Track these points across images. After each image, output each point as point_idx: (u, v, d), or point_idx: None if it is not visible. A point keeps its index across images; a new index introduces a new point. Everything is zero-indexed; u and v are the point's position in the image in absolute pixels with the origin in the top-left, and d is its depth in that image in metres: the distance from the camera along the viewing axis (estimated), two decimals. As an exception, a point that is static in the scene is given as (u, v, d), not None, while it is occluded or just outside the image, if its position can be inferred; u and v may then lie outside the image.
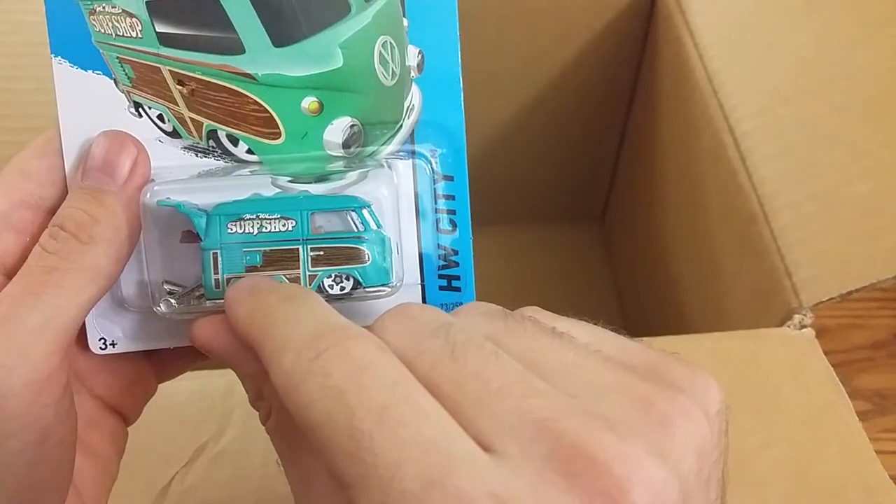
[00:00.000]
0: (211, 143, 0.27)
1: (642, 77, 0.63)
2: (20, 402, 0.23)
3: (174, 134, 0.27)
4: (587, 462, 0.17)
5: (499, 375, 0.18)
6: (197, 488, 0.36)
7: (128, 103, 0.26)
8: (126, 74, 0.26)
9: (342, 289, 0.26)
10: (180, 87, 0.26)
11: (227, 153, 0.27)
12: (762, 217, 0.44)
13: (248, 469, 0.36)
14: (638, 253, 0.68)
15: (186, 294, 0.26)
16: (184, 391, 0.38)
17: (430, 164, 0.27)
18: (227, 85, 0.26)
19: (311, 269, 0.26)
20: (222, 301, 0.24)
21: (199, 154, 0.27)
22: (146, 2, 0.26)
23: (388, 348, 0.19)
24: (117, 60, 0.26)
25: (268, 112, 0.26)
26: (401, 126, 0.27)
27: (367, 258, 0.26)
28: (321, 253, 0.26)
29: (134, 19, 0.26)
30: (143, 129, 0.26)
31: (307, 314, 0.21)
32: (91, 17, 0.26)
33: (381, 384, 0.18)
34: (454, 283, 0.28)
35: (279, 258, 0.25)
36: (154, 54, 0.26)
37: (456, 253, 0.28)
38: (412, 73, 0.27)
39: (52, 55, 0.26)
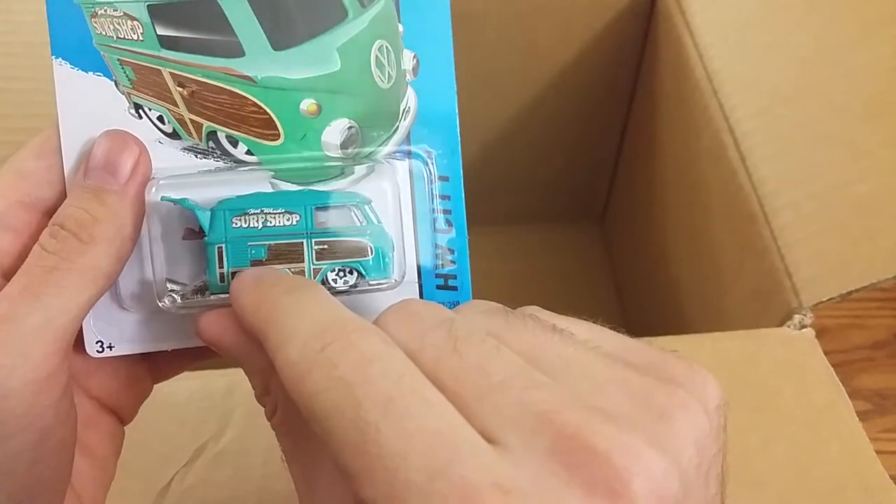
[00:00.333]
0: (210, 144, 0.27)
1: (642, 77, 0.62)
2: (20, 403, 0.23)
3: (174, 135, 0.27)
4: (588, 453, 0.17)
5: (500, 369, 0.19)
6: (197, 488, 0.36)
7: (128, 105, 0.26)
8: (127, 76, 0.26)
9: (346, 282, 0.26)
10: (180, 89, 0.26)
11: (226, 154, 0.27)
12: (762, 217, 0.44)
13: (248, 469, 0.37)
14: (638, 253, 0.68)
15: (191, 290, 0.26)
16: (184, 391, 0.38)
17: (427, 164, 0.27)
18: (227, 87, 0.26)
19: (315, 262, 0.26)
20: (227, 295, 0.24)
21: (199, 155, 0.27)
22: (147, 5, 0.26)
23: (393, 342, 0.20)
24: (118, 62, 0.26)
25: (267, 114, 0.27)
26: (397, 128, 0.27)
27: (370, 252, 0.26)
28: (325, 247, 0.26)
29: (135, 22, 0.26)
30: (143, 131, 0.26)
31: (313, 306, 0.21)
32: (92, 19, 0.26)
33: (388, 376, 0.18)
34: (451, 283, 0.28)
35: (284, 252, 0.26)
36: (155, 57, 0.26)
37: (452, 252, 0.28)
38: (408, 77, 0.27)
39: (53, 56, 0.26)
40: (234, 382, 0.38)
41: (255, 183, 0.27)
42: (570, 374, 0.19)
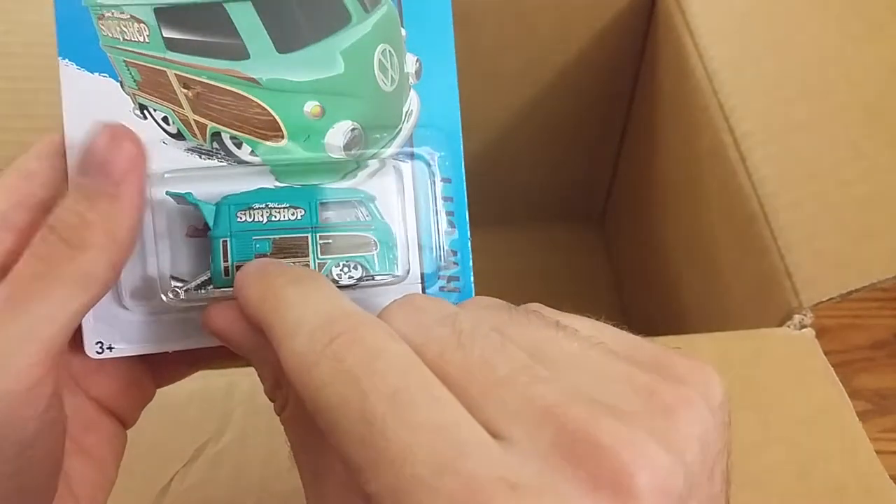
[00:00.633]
0: (215, 144, 0.27)
1: (642, 77, 0.62)
2: None
3: (178, 136, 0.27)
4: (592, 447, 0.17)
5: (505, 363, 0.19)
6: (197, 488, 0.36)
7: (133, 105, 0.27)
8: (132, 77, 0.26)
9: (350, 277, 0.26)
10: (186, 91, 0.26)
11: (230, 155, 0.27)
12: (762, 217, 0.44)
13: (248, 469, 0.37)
14: (638, 253, 0.68)
15: (195, 285, 0.26)
16: (184, 391, 0.38)
17: (430, 166, 0.28)
18: (232, 89, 0.26)
19: (320, 256, 0.26)
20: (231, 289, 0.24)
21: (203, 156, 0.27)
22: (154, 8, 0.26)
23: (398, 336, 0.20)
24: (124, 64, 0.26)
25: (271, 115, 0.27)
26: (400, 130, 0.27)
27: (374, 246, 0.26)
28: (330, 241, 0.26)
29: (142, 25, 0.26)
30: (148, 131, 0.26)
31: (318, 298, 0.21)
32: (99, 21, 0.26)
33: (394, 370, 0.18)
34: (454, 284, 0.28)
35: (289, 246, 0.26)
36: (161, 58, 0.26)
37: (455, 253, 0.28)
38: (410, 80, 0.27)
39: (60, 57, 0.26)
40: (234, 382, 0.38)
41: (259, 180, 0.27)
42: (574, 370, 0.19)
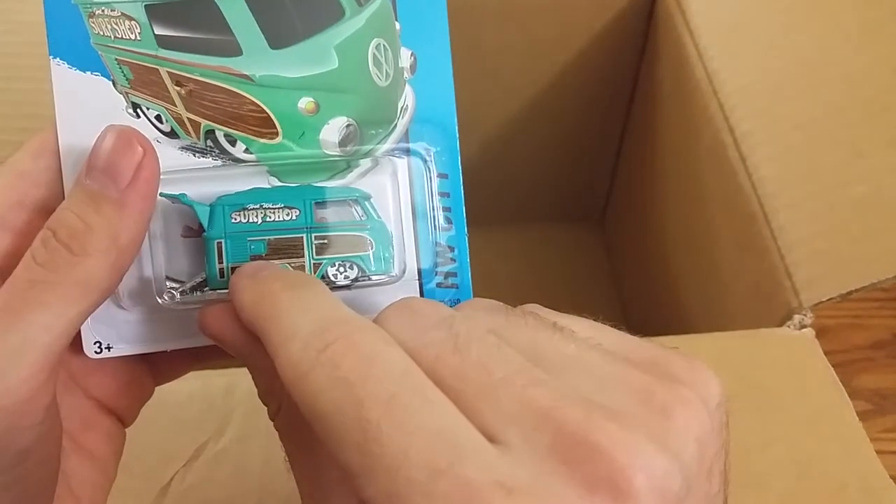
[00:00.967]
0: (209, 142, 0.27)
1: (642, 77, 0.62)
2: None
3: (172, 134, 0.27)
4: (589, 450, 0.17)
5: (501, 366, 0.19)
6: (197, 488, 0.36)
7: (126, 104, 0.26)
8: (124, 76, 0.26)
9: (346, 277, 0.26)
10: (178, 88, 0.26)
11: (224, 153, 0.27)
12: (762, 217, 0.44)
13: (248, 469, 0.36)
14: (638, 253, 0.68)
15: (190, 287, 0.26)
16: (184, 391, 0.38)
17: (426, 162, 0.27)
18: (225, 86, 0.26)
19: (315, 257, 0.26)
20: (226, 291, 0.24)
21: (197, 154, 0.27)
22: (145, 5, 0.26)
23: (394, 340, 0.19)
24: (116, 62, 0.26)
25: (265, 112, 0.27)
26: (395, 125, 0.27)
27: (370, 246, 0.26)
28: (325, 241, 0.26)
29: (133, 22, 0.26)
30: (142, 130, 0.26)
31: (313, 304, 0.21)
32: (90, 19, 0.26)
33: (389, 375, 0.18)
34: (451, 280, 0.28)
35: (284, 246, 0.26)
36: (152, 56, 0.26)
37: (452, 250, 0.28)
38: (405, 75, 0.27)
39: (51, 56, 0.26)
40: (234, 382, 0.38)
41: (254, 179, 0.27)
42: (571, 372, 0.19)
